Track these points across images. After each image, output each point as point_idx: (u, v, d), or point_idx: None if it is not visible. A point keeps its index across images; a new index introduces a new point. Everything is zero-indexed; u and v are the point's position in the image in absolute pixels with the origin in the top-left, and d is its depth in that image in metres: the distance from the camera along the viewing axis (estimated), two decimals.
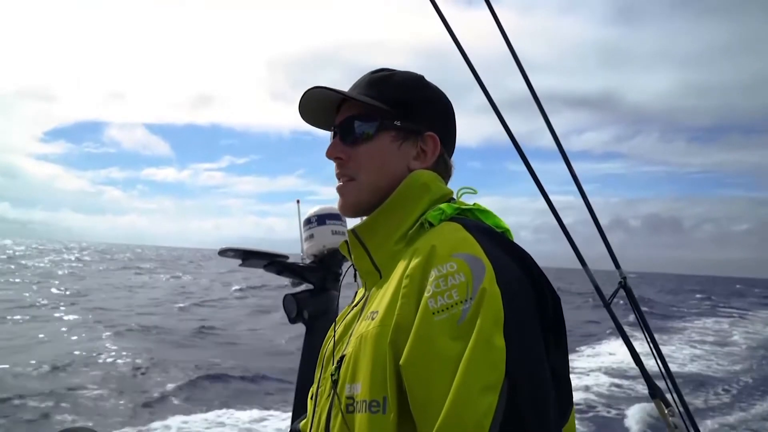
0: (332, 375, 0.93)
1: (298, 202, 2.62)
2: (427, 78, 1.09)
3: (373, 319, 0.89)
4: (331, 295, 2.41)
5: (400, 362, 0.79)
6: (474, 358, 0.72)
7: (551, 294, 0.84)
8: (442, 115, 1.08)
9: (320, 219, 2.47)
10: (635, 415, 7.85)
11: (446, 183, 1.07)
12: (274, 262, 2.41)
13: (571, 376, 0.89)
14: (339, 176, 1.05)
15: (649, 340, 1.76)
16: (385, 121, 1.01)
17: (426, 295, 0.80)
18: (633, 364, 1.62)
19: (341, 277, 1.10)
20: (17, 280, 24.39)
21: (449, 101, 1.10)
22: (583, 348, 13.21)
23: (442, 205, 0.96)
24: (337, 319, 1.11)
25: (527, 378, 0.73)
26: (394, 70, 1.08)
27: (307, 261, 2.50)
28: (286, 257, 2.43)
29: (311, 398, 1.08)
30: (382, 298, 0.91)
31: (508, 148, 1.56)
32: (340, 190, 1.05)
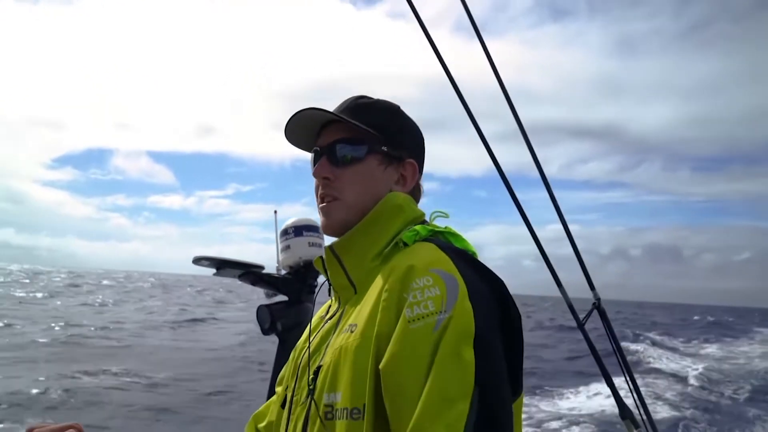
0: (309, 384, 0.97)
1: (275, 212, 2.57)
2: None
3: (352, 331, 0.93)
4: (306, 308, 2.37)
5: (380, 366, 0.84)
6: (444, 369, 0.78)
7: (515, 311, 0.91)
8: (419, 144, 1.16)
9: (297, 230, 2.42)
10: None
11: (417, 205, 1.14)
12: (248, 272, 2.36)
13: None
14: (324, 196, 1.07)
15: (620, 359, 1.79)
16: (374, 145, 1.07)
17: (405, 305, 0.86)
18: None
19: (316, 291, 1.15)
20: None
21: (422, 133, 1.19)
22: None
23: (417, 227, 1.02)
24: (311, 328, 1.13)
25: (493, 388, 0.79)
26: (375, 98, 1.13)
27: (283, 272, 2.45)
28: (262, 267, 2.39)
29: (282, 406, 1.11)
30: (359, 313, 0.95)
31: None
32: (324, 209, 1.07)
